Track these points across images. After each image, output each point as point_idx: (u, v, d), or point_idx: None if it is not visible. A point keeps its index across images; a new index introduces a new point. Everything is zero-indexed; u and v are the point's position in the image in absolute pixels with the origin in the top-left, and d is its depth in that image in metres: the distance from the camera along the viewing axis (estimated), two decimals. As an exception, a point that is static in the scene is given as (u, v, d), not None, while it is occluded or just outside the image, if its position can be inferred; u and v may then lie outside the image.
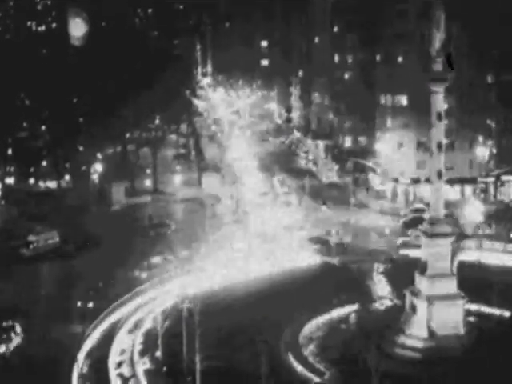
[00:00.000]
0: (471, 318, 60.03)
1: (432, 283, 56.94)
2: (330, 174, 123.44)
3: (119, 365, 56.01)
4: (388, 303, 66.31)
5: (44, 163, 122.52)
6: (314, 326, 62.09)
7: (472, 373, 51.01)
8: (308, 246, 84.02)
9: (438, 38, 56.26)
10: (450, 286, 57.31)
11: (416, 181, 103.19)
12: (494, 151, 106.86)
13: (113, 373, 54.77)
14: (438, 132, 57.20)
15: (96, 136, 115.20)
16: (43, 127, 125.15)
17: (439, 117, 56.93)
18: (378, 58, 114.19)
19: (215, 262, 76.98)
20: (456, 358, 53.84)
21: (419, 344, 56.12)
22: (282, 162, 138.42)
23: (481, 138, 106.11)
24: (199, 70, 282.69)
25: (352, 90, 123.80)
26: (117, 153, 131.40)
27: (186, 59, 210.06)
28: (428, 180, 64.33)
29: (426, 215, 63.17)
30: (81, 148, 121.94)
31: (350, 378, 52.28)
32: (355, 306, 65.24)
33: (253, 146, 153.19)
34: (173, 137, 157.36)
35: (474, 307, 61.75)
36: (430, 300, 56.48)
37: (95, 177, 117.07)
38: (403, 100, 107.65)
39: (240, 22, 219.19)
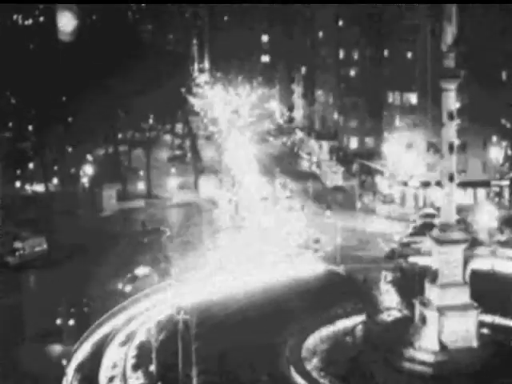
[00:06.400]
0: (485, 330, 59.97)
1: (443, 293, 56.87)
2: (334, 176, 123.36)
3: (111, 380, 55.98)
4: (396, 314, 66.23)
5: (31, 165, 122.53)
6: (317, 338, 62.02)
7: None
8: (312, 253, 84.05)
9: (449, 33, 56.30)
10: (463, 295, 57.27)
11: (426, 184, 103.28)
12: (509, 152, 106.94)
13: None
14: (450, 132, 57.10)
15: (86, 135, 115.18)
16: (30, 127, 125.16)
17: (451, 116, 56.85)
18: (385, 53, 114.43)
19: (213, 271, 76.97)
20: (469, 372, 53.80)
21: (429, 358, 55.98)
22: (284, 165, 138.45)
23: (495, 139, 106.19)
24: (196, 66, 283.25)
25: (358, 87, 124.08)
26: (108, 154, 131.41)
27: (182, 55, 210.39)
28: (439, 183, 64.31)
29: (437, 221, 63.21)
30: (70, 149, 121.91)
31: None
32: (361, 318, 65.21)
33: (253, 147, 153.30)
34: (167, 137, 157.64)
35: (487, 318, 61.74)
36: (441, 311, 56.42)
37: (85, 180, 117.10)
38: (412, 98, 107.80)
39: (239, 15, 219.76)
